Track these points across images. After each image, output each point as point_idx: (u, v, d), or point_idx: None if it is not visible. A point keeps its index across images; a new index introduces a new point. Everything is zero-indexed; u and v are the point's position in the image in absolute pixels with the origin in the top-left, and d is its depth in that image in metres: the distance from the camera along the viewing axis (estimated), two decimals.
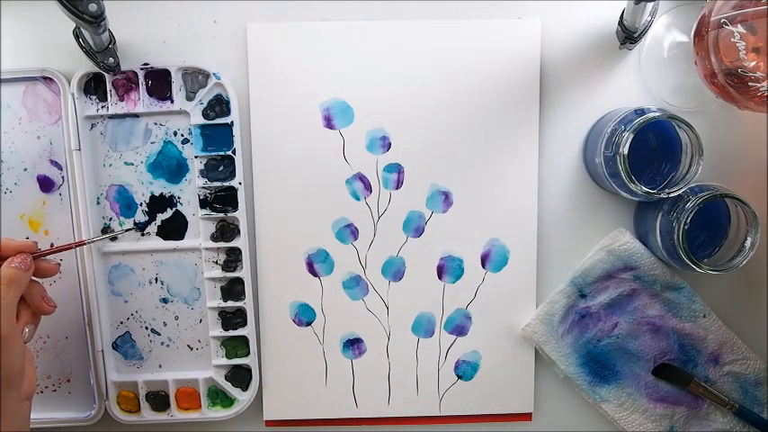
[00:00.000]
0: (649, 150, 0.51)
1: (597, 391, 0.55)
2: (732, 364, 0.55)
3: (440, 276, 0.55)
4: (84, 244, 0.51)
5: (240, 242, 0.53)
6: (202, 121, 0.52)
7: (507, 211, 0.54)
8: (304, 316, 0.55)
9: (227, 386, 0.55)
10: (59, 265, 0.49)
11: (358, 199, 0.54)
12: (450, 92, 0.53)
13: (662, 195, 0.47)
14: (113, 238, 0.54)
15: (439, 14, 0.53)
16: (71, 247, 0.51)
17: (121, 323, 0.55)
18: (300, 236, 0.54)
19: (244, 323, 0.54)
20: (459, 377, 0.56)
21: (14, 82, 0.52)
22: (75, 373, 0.55)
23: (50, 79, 0.52)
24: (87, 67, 0.51)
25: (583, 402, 0.56)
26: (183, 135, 0.53)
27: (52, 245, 0.53)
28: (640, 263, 0.53)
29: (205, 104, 0.53)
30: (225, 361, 0.55)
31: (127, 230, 0.53)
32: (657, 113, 0.47)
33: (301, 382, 0.55)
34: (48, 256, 0.49)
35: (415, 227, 0.54)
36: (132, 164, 0.53)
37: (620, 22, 0.50)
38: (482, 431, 0.57)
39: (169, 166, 0.54)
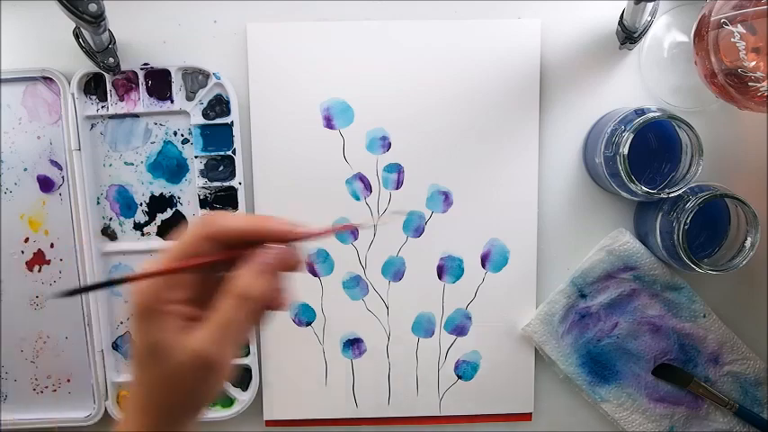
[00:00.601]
0: (649, 150, 0.51)
1: (597, 391, 0.55)
2: (732, 364, 0.55)
3: (440, 276, 0.55)
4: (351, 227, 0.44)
5: None
6: (202, 121, 0.52)
7: (507, 211, 0.54)
8: (304, 316, 0.55)
9: (227, 386, 0.55)
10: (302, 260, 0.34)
11: (358, 199, 0.54)
12: (451, 92, 0.53)
13: (662, 195, 0.47)
14: (108, 233, 0.54)
15: (439, 14, 0.53)
16: (330, 233, 0.38)
17: (121, 323, 0.55)
18: None
19: None
20: (459, 377, 0.56)
21: (14, 82, 0.52)
22: (75, 373, 0.55)
23: (50, 79, 0.52)
24: (87, 67, 0.51)
25: (583, 402, 0.56)
26: (183, 135, 0.53)
27: (52, 245, 0.53)
28: (640, 263, 0.53)
29: (205, 104, 0.53)
30: None
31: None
32: (657, 113, 0.47)
33: (301, 382, 0.55)
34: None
35: (415, 227, 0.54)
36: (132, 164, 0.53)
37: (620, 22, 0.50)
38: (482, 431, 0.57)
39: (169, 166, 0.54)
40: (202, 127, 0.53)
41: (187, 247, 0.31)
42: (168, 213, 0.54)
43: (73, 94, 0.51)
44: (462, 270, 0.54)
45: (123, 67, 0.51)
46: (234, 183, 0.53)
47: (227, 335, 0.30)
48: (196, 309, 0.31)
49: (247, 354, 0.54)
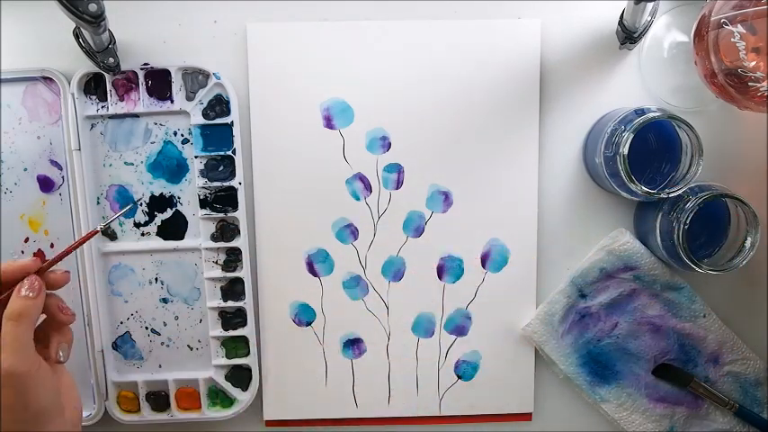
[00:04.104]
0: (649, 150, 0.51)
1: (597, 391, 0.55)
2: (732, 364, 0.55)
3: (440, 276, 0.55)
4: (97, 233, 0.48)
5: (240, 242, 0.53)
6: (202, 121, 0.52)
7: (507, 211, 0.54)
8: (304, 316, 0.55)
9: (227, 386, 0.55)
10: (68, 272, 0.44)
11: (358, 199, 0.54)
12: (451, 92, 0.53)
13: (662, 195, 0.47)
14: (109, 233, 0.54)
15: (439, 14, 0.53)
16: (75, 247, 0.46)
17: (121, 323, 0.55)
18: (300, 236, 0.54)
19: (244, 323, 0.54)
20: (459, 377, 0.56)
21: (14, 82, 0.52)
22: (76, 373, 0.55)
23: (50, 79, 0.52)
24: (87, 67, 0.51)
25: (583, 402, 0.56)
26: (183, 135, 0.53)
27: (52, 245, 0.53)
28: (640, 263, 0.53)
29: (205, 104, 0.53)
30: (225, 361, 0.55)
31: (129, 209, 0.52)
32: (657, 113, 0.47)
33: (301, 382, 0.55)
34: (55, 265, 0.44)
35: (415, 227, 0.54)
36: (132, 164, 0.53)
37: (620, 22, 0.50)
38: (482, 431, 0.57)
39: (169, 166, 0.54)
40: (202, 127, 0.53)
41: None
42: (168, 213, 0.54)
43: (73, 94, 0.51)
44: (462, 270, 0.54)
45: (123, 67, 0.51)
46: (234, 183, 0.53)
47: (15, 347, 0.39)
48: None
49: (247, 354, 0.54)
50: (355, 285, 0.55)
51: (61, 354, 0.43)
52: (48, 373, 0.41)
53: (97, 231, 0.48)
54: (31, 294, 0.41)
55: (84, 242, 0.47)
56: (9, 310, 0.40)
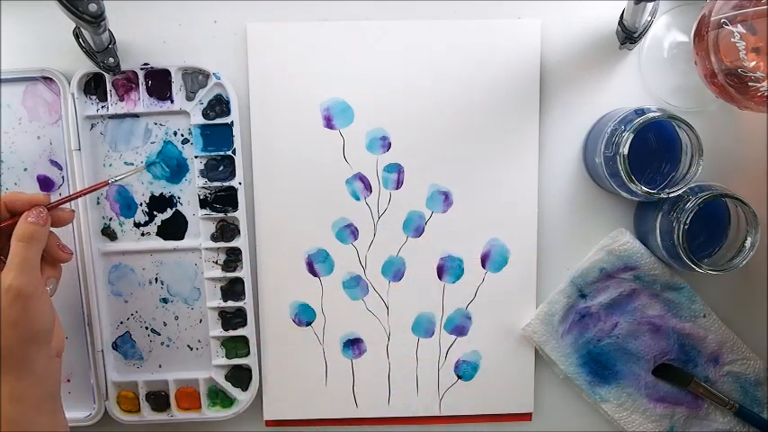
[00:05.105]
0: (649, 150, 0.51)
1: (597, 391, 0.55)
2: (732, 364, 0.55)
3: (440, 276, 0.55)
4: (107, 185, 0.50)
5: (240, 242, 0.53)
6: (202, 121, 0.52)
7: (507, 211, 0.54)
8: (304, 316, 0.55)
9: (227, 386, 0.55)
10: (74, 211, 0.48)
11: (358, 199, 0.54)
12: (450, 92, 0.53)
13: (662, 195, 0.47)
14: (108, 232, 0.54)
15: (439, 14, 0.53)
16: (86, 193, 0.50)
17: (121, 323, 0.55)
18: (300, 236, 0.54)
19: (244, 323, 0.54)
20: (459, 377, 0.56)
21: (14, 82, 0.52)
22: (76, 373, 0.55)
23: (50, 79, 0.52)
24: (87, 67, 0.51)
25: (583, 402, 0.56)
26: (183, 135, 0.53)
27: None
28: (640, 263, 0.53)
29: (205, 104, 0.53)
30: (225, 361, 0.55)
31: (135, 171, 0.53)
32: (657, 113, 0.47)
33: (301, 382, 0.55)
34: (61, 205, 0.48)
35: (415, 227, 0.54)
36: (132, 164, 0.53)
37: (620, 22, 0.50)
38: (482, 431, 0.57)
39: (169, 166, 0.54)
40: (202, 127, 0.53)
41: None
42: (168, 213, 0.54)
43: (73, 94, 0.51)
44: (462, 270, 0.54)
45: (123, 67, 0.51)
46: (234, 183, 0.53)
47: (25, 268, 0.41)
48: None
49: (247, 354, 0.54)
50: (355, 285, 0.55)
51: (49, 288, 0.45)
52: (48, 299, 0.43)
53: (107, 183, 0.50)
54: (39, 222, 0.43)
55: (92, 191, 0.50)
56: (19, 232, 0.42)
